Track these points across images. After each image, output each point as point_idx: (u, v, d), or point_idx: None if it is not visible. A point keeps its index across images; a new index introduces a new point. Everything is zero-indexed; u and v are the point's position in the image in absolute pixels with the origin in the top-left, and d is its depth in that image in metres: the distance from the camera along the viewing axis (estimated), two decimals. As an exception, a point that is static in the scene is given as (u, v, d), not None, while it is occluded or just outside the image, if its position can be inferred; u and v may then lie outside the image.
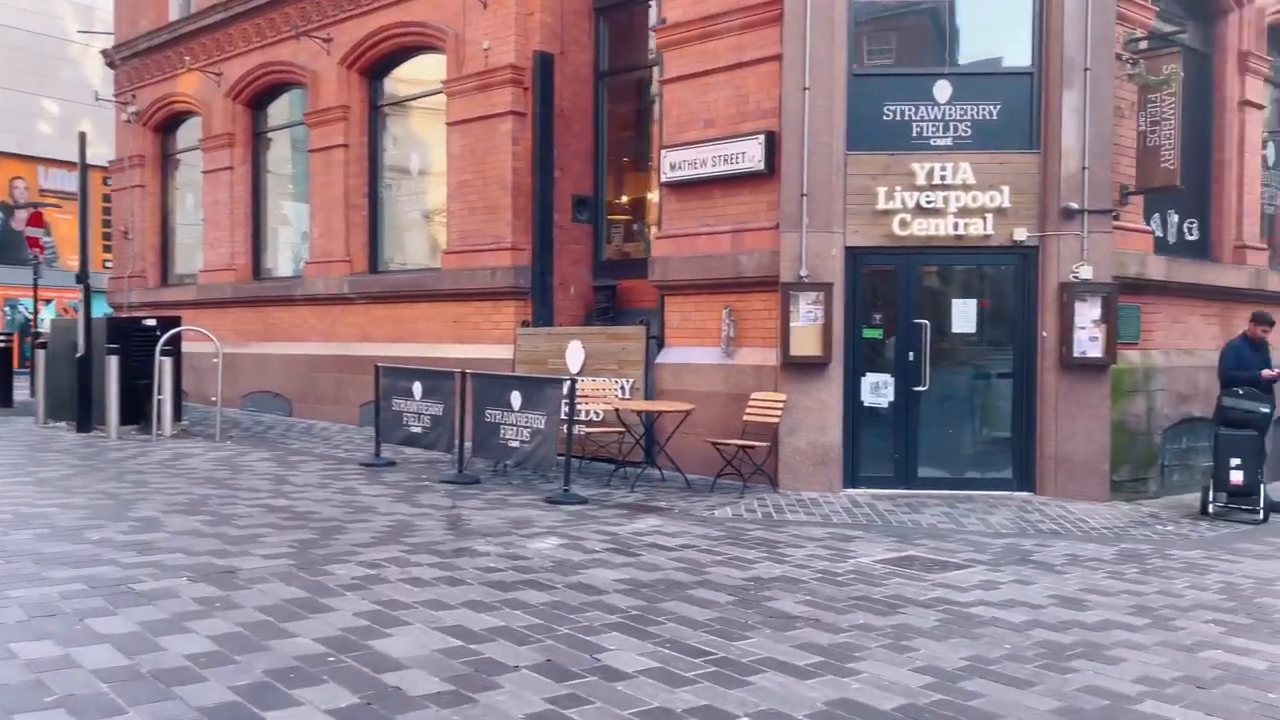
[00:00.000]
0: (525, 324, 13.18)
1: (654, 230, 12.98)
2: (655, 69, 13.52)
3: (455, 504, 9.24)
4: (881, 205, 10.35)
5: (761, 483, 10.35)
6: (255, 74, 17.55)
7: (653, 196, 13.74)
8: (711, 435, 10.78)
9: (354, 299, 15.62)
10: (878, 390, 10.53)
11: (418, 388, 11.44)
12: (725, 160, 10.95)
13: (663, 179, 11.55)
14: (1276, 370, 10.16)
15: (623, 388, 11.68)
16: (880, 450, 10.61)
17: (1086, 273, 10.09)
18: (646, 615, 5.63)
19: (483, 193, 13.66)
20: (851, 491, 10.38)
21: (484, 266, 13.58)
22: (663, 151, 11.54)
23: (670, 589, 6.26)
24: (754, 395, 10.52)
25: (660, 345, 11.81)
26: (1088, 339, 10.08)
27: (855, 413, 10.51)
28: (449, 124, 14.10)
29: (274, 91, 17.88)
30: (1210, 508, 9.84)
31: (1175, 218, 12.03)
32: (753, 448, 10.11)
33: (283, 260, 18.46)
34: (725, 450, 10.27)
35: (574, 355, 12.24)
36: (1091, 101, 10.06)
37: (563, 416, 9.65)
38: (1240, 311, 12.18)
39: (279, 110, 18.21)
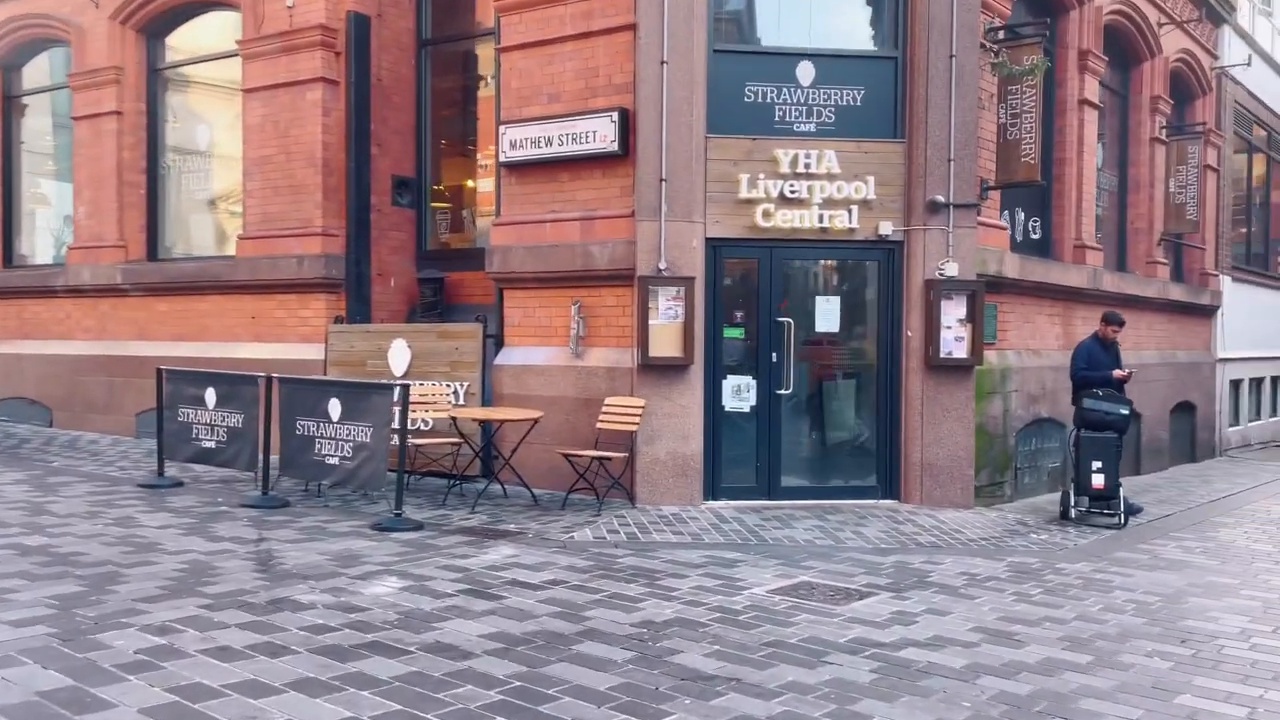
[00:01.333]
0: (339, 320, 11.64)
1: (489, 218, 11.74)
2: (485, 39, 12.28)
3: (263, 535, 7.74)
4: (744, 194, 9.54)
5: (617, 496, 9.34)
6: (6, 29, 15.01)
7: (482, 182, 12.49)
8: (560, 445, 9.68)
9: (129, 291, 13.51)
10: (739, 394, 9.73)
11: (211, 395, 9.74)
12: (574, 139, 9.85)
13: (502, 159, 10.33)
14: (1127, 370, 10.06)
15: (456, 393, 10.39)
16: (742, 459, 9.82)
17: (952, 269, 9.64)
18: (532, 687, 4.49)
19: (287, 170, 11.99)
20: (714, 504, 9.53)
21: (289, 254, 11.92)
22: (501, 128, 10.32)
23: (551, 644, 5.13)
24: (608, 400, 9.49)
25: (499, 345, 10.60)
26: (953, 339, 9.64)
27: (716, 419, 9.67)
28: (246, 91, 12.32)
29: (30, 49, 15.37)
30: (1072, 512, 9.58)
31: (1021, 215, 11.89)
32: (609, 459, 9.08)
33: (40, 245, 15.95)
34: (578, 462, 9.19)
35: (398, 356, 10.84)
36: (957, 90, 9.61)
37: (394, 428, 8.31)
38: (1080, 311, 12.21)
39: (36, 73, 15.69)
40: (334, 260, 11.74)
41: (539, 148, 10.05)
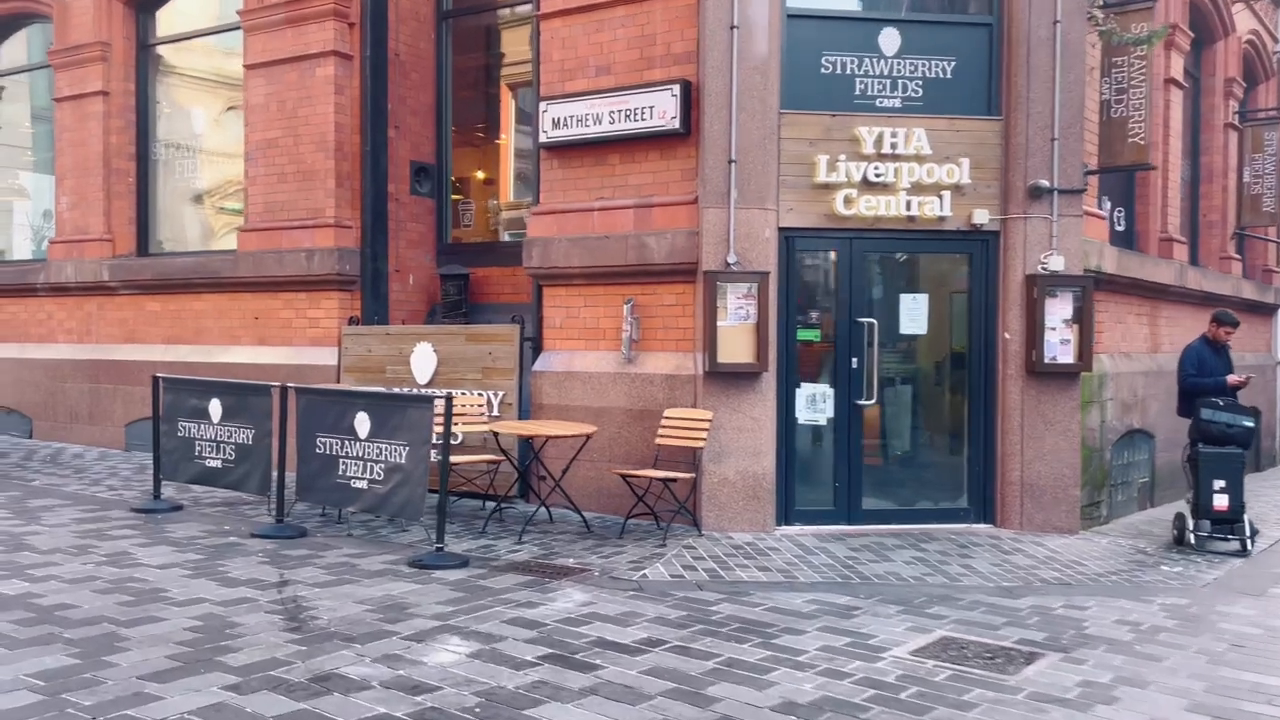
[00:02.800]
0: (353, 321, 10.46)
1: (519, 210, 10.59)
2: (511, 9, 11.12)
3: (284, 576, 6.56)
4: (822, 177, 8.42)
5: (679, 521, 8.19)
6: (-21, 0, 13.75)
7: (512, 166, 11.34)
8: (610, 462, 8.55)
9: (117, 289, 12.28)
10: (815, 404, 8.60)
11: (217, 407, 8.54)
12: (627, 117, 8.70)
13: (542, 139, 9.16)
14: (1244, 376, 8.99)
15: (490, 403, 9.23)
16: (818, 478, 8.70)
17: (1057, 263, 8.53)
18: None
19: (295, 155, 10.80)
20: (789, 530, 8.40)
21: (298, 248, 10.73)
22: (541, 105, 9.15)
23: (683, 742, 3.99)
24: (668, 413, 8.34)
25: (537, 349, 9.44)
26: (1058, 341, 8.53)
27: (789, 433, 8.54)
28: (248, 67, 11.12)
29: (6, 26, 14.09)
30: (1190, 537, 8.49)
31: (1108, 204, 10.80)
32: (675, 480, 7.94)
33: (18, 240, 14.68)
34: (637, 484, 8.05)
35: (422, 361, 9.67)
36: (1063, 59, 8.50)
37: (436, 444, 7.14)
38: (1165, 311, 11.15)
39: (14, 51, 14.42)
40: (348, 254, 10.55)
41: (586, 126, 8.89)
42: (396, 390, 9.13)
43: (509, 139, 11.93)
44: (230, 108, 12.20)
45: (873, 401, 8.55)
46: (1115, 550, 8.18)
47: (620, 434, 8.70)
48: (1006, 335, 8.63)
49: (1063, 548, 8.07)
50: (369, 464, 7.43)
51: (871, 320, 8.55)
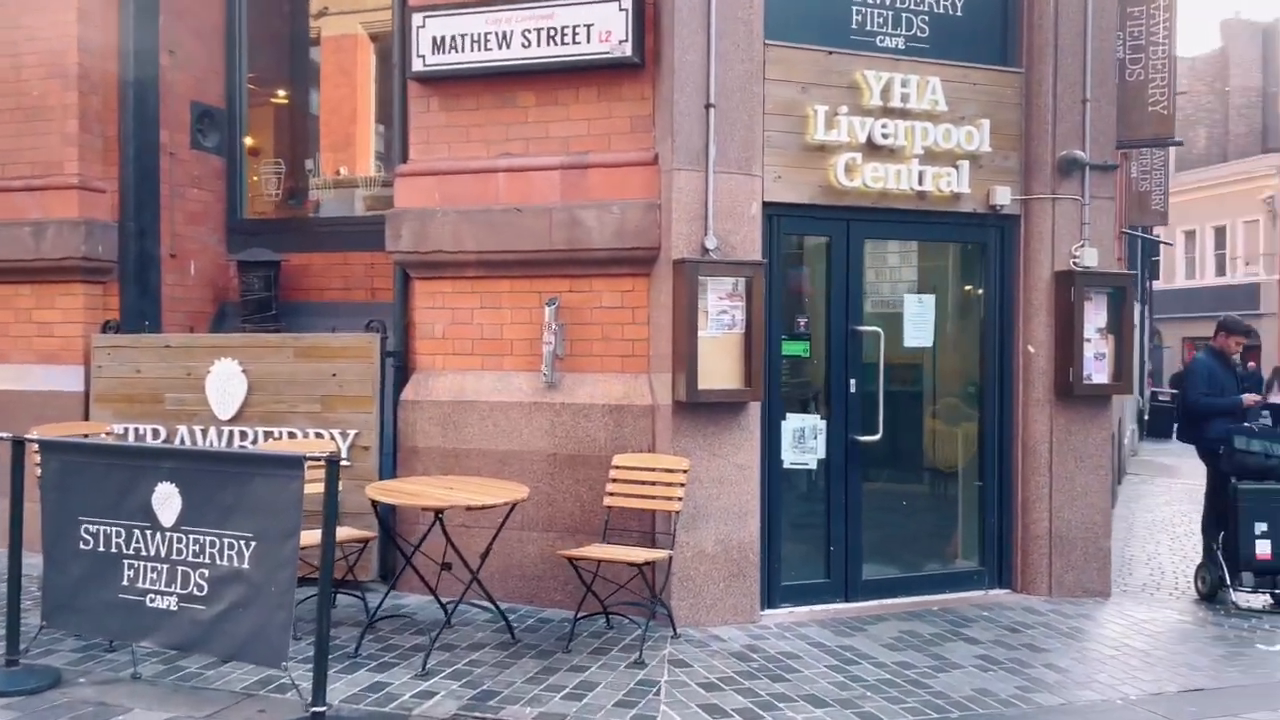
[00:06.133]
0: (109, 327, 7.21)
1: (357, 177, 7.73)
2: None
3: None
4: (818, 135, 6.22)
5: (632, 612, 5.70)
6: None
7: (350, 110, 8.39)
8: (526, 528, 5.96)
9: None
10: (802, 442, 6.38)
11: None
12: (551, 38, 6.11)
13: (416, 68, 6.37)
14: (1267, 394, 7.64)
15: (338, 446, 6.35)
16: (807, 540, 6.51)
17: (1090, 257, 6.77)
18: None
19: (16, 85, 7.37)
20: (778, 616, 6.15)
21: (18, 220, 7.31)
22: (416, 17, 6.35)
23: None
24: (619, 460, 5.85)
25: (403, 369, 6.63)
26: (1093, 357, 6.78)
27: (774, 482, 6.28)
28: (-65, -48, 7.52)
29: None
30: (1233, 594, 6.98)
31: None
32: (650, 564, 5.46)
33: None
34: (584, 566, 5.49)
35: (225, 387, 6.65)
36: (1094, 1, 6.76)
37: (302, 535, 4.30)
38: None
39: None
40: (100, 230, 7.28)
41: (486, 50, 6.22)
42: (232, 448, 6.09)
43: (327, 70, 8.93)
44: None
45: (876, 436, 6.44)
46: (1164, 622, 6.50)
47: (542, 489, 6.09)
48: (1030, 349, 6.78)
49: (1112, 624, 6.31)
50: (180, 570, 4.44)
51: (876, 330, 6.45)
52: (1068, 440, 6.75)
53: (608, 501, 5.77)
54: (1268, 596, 6.90)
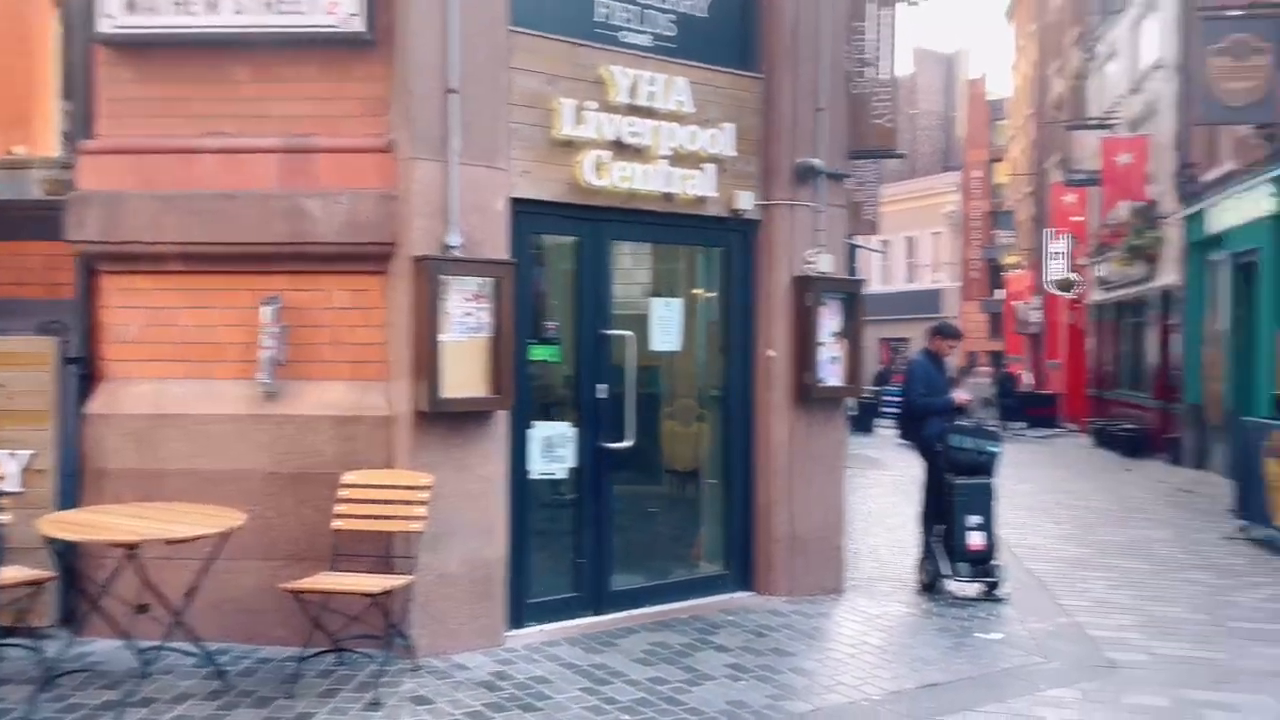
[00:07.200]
0: None
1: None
2: None
3: None
4: (567, 130, 5.94)
5: (365, 645, 5.18)
6: None
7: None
8: (246, 555, 5.28)
9: None
10: (552, 451, 6.08)
11: None
12: (269, 6, 5.43)
13: (104, 29, 5.47)
14: (968, 394, 8.20)
15: (8, 469, 5.36)
16: (556, 553, 6.23)
17: (826, 263, 6.94)
18: None
19: None
20: (526, 636, 5.81)
21: None
22: (103, -30, 5.48)
23: None
24: (348, 478, 5.30)
25: (88, 378, 5.70)
26: (829, 361, 6.95)
27: (522, 494, 5.94)
28: None
29: None
30: (950, 584, 7.38)
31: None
32: (387, 592, 4.94)
33: None
34: (310, 599, 4.91)
35: None
36: (831, 6, 6.92)
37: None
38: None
39: None
40: None
41: (190, 15, 5.45)
42: None
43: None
44: None
45: (626, 443, 6.24)
46: (896, 617, 6.74)
47: (260, 512, 5.41)
48: (770, 353, 6.84)
49: (855, 619, 6.50)
50: None
51: (628, 333, 6.25)
52: (806, 443, 6.87)
53: (338, 524, 5.20)
54: (981, 585, 7.33)
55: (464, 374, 5.36)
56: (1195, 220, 15.32)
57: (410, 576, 5.07)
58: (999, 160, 36.30)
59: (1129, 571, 8.19)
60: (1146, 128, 18.22)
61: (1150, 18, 18.01)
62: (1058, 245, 24.39)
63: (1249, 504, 9.50)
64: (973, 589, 7.33)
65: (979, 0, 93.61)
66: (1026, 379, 28.40)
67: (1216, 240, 14.52)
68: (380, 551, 5.32)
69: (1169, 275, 16.98)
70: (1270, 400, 11.46)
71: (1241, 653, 5.91)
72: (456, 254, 5.38)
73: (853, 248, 14.04)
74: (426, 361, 5.22)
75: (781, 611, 6.52)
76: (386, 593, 4.89)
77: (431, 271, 5.22)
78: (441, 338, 5.27)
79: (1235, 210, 13.46)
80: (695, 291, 7.06)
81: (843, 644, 5.99)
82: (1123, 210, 18.91)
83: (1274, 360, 12.43)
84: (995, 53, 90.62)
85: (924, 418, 7.73)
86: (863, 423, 20.98)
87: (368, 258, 5.50)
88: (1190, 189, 15.72)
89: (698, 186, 6.41)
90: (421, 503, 5.12)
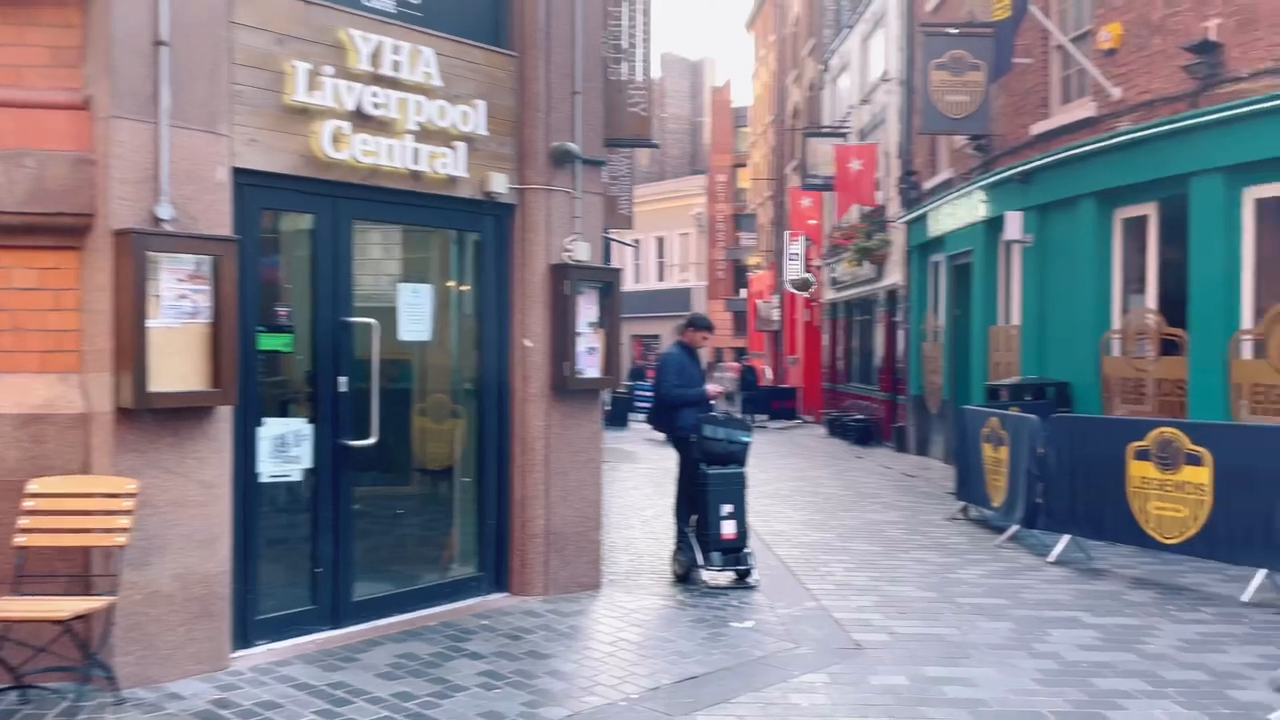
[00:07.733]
0: None
1: None
2: None
3: None
4: (300, 96, 5.40)
5: (63, 678, 4.47)
6: None
7: None
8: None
9: None
10: (284, 450, 5.52)
11: None
12: (-71, -74, 4.56)
13: None
14: (722, 386, 8.27)
15: None
16: (290, 564, 5.66)
17: (583, 252, 6.74)
18: None
19: None
20: (254, 656, 5.23)
21: None
22: None
23: None
24: (35, 486, 4.55)
25: None
26: (586, 351, 6.76)
27: (249, 499, 5.34)
28: None
29: None
30: (704, 573, 7.39)
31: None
32: (84, 618, 4.25)
33: None
34: (-13, 632, 4.15)
35: None
36: (584, -12, 6.73)
37: None
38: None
39: None
40: None
41: None
42: None
43: None
44: None
45: (370, 440, 5.77)
46: (658, 610, 6.66)
47: (-81, 531, 4.54)
48: (527, 343, 6.56)
49: (612, 615, 6.34)
50: None
51: (369, 322, 5.77)
52: (563, 435, 6.65)
53: (21, 540, 4.45)
54: (732, 573, 7.39)
55: (178, 365, 4.72)
56: (917, 224, 16.43)
57: (111, 597, 4.40)
58: (742, 165, 37.83)
59: (865, 554, 8.53)
60: (875, 136, 19.41)
61: (878, 33, 19.18)
62: (795, 247, 25.62)
63: (968, 486, 10.17)
64: (725, 577, 7.37)
65: (723, 9, 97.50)
66: (768, 374, 29.74)
67: (936, 243, 15.62)
68: (77, 570, 4.61)
69: (894, 276, 18.14)
70: (985, 390, 12.40)
71: (970, 628, 6.20)
72: (168, 228, 4.74)
73: (608, 241, 14.04)
74: (131, 351, 4.55)
75: (538, 612, 6.26)
76: (80, 617, 4.21)
77: (137, 247, 4.55)
78: (150, 323, 4.62)
79: (952, 215, 14.51)
80: (449, 280, 6.67)
81: (601, 642, 5.80)
82: (854, 214, 20.07)
83: (986, 354, 13.51)
84: (739, 61, 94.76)
85: (677, 408, 7.72)
86: (617, 417, 21.16)
87: (59, 230, 4.74)
88: (913, 195, 16.86)
89: (448, 166, 6.03)
90: (125, 512, 4.46)
